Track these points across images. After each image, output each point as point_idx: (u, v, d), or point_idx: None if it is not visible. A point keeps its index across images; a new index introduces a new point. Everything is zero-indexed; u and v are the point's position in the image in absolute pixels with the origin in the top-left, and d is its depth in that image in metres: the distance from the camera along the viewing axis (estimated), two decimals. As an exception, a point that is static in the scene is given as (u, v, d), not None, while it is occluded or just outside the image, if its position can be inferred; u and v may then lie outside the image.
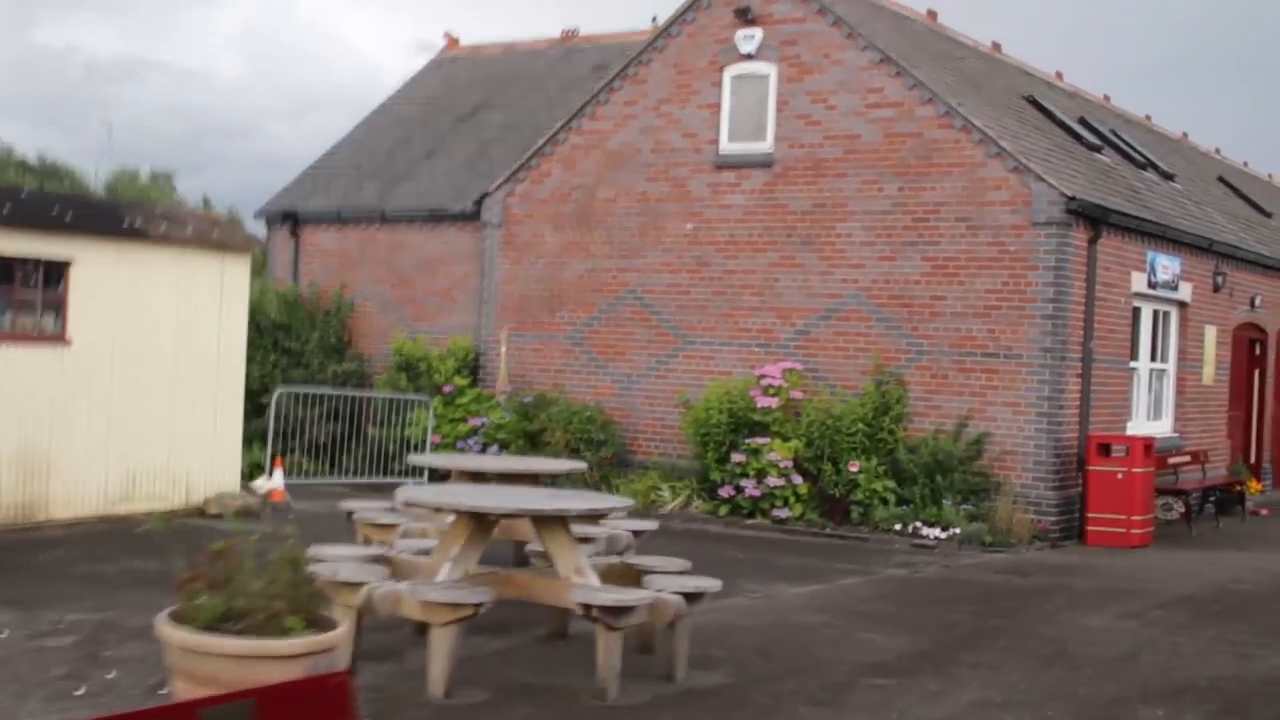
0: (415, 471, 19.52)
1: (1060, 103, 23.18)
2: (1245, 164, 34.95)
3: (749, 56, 18.69)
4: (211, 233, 15.73)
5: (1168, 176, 23.34)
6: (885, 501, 16.95)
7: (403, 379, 20.60)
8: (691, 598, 8.25)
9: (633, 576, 8.78)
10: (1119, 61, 67.97)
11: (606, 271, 19.83)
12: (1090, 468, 16.63)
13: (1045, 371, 16.71)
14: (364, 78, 61.92)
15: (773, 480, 17.21)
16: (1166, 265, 19.37)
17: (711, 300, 18.98)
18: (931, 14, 22.71)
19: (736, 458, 17.46)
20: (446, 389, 20.17)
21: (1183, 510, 17.87)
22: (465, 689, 7.85)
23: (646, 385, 19.38)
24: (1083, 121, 22.70)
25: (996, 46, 24.16)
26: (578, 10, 51.74)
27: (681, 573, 8.96)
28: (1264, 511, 21.11)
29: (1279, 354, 24.26)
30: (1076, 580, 13.38)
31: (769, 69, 18.58)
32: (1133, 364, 19.09)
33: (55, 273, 14.23)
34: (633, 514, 17.78)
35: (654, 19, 22.44)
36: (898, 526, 16.66)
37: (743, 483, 17.40)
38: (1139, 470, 16.47)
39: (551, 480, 18.20)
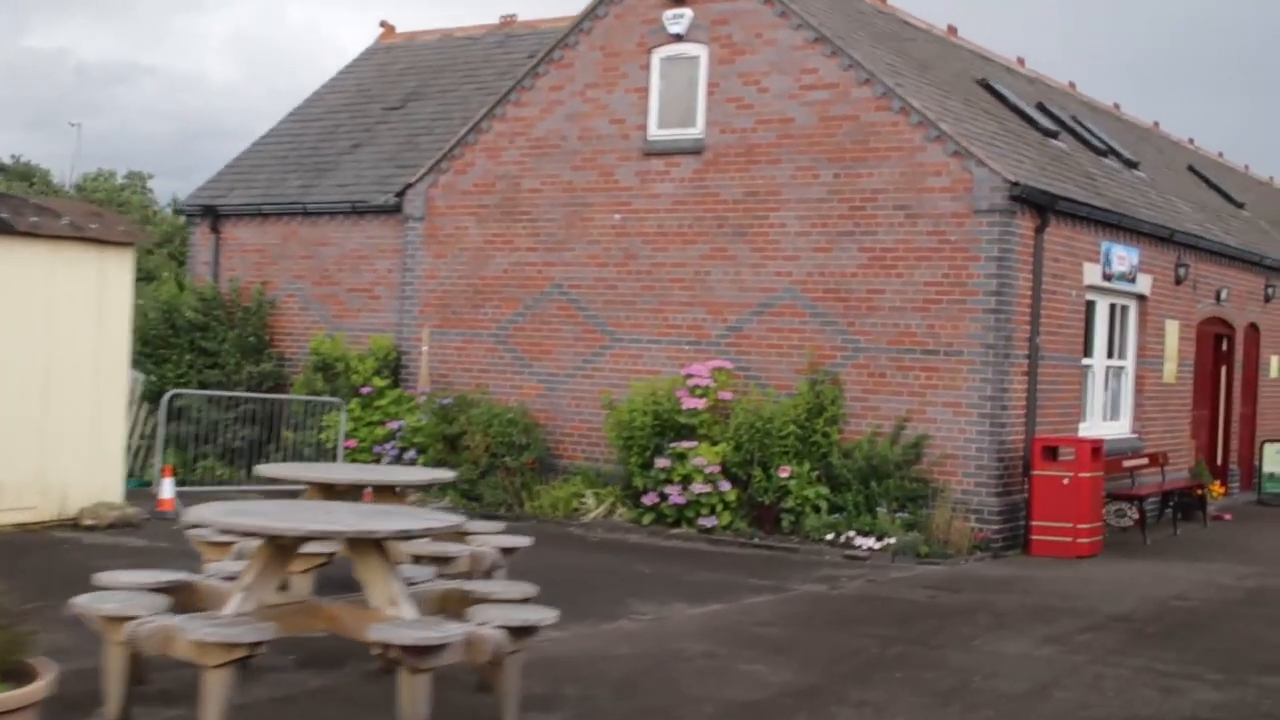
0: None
1: (1018, 88, 22.13)
2: (1220, 154, 33.92)
3: (678, 37, 17.59)
4: (89, 226, 14.62)
5: (1130, 164, 22.28)
6: (818, 509, 15.86)
7: (319, 380, 19.50)
8: (521, 632, 7.15)
9: (468, 604, 7.69)
10: (1124, 66, 67.00)
11: (532, 265, 18.74)
12: (1035, 472, 15.56)
13: (988, 369, 15.64)
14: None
15: (698, 487, 16.12)
16: (1123, 256, 18.30)
17: (640, 295, 17.89)
18: (881, -6, 21.64)
19: (661, 463, 16.37)
20: (365, 390, 19.07)
21: (1136, 517, 16.79)
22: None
23: (573, 385, 18.29)
24: (1040, 107, 21.63)
25: (952, 30, 23.08)
26: None
27: (522, 600, 7.87)
28: (1227, 516, 20.04)
29: (1248, 350, 23.20)
30: (1008, 597, 12.31)
31: (699, 50, 17.49)
32: (1086, 361, 18.02)
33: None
34: (560, 521, 16.73)
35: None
36: (830, 536, 15.58)
37: (667, 489, 16.31)
38: (1086, 475, 15.39)
39: (423, 491, 17.19)
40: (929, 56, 19.68)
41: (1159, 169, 24.77)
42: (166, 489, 15.78)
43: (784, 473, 15.98)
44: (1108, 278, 17.97)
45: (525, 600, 7.86)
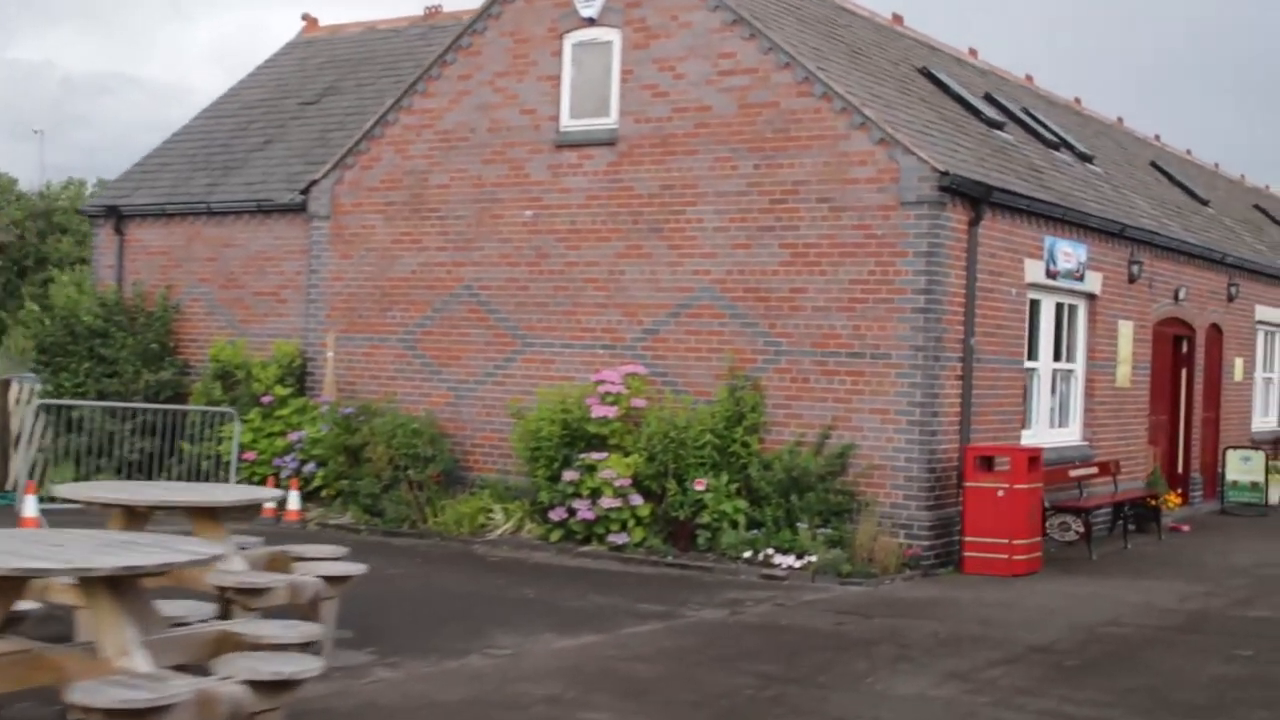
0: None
1: (966, 79, 21.03)
2: (1188, 151, 32.87)
3: (591, 21, 16.46)
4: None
5: (1085, 158, 21.19)
6: (735, 525, 14.71)
7: (217, 389, 18.31)
8: (276, 686, 5.98)
9: (239, 649, 6.52)
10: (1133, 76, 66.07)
11: (440, 266, 17.57)
12: (967, 484, 14.42)
13: (917, 373, 14.50)
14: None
15: (608, 501, 14.95)
16: (1069, 252, 17.17)
17: (552, 297, 16.73)
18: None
19: (569, 475, 15.21)
20: (265, 400, 17.88)
21: (1081, 530, 15.65)
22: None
23: (483, 393, 17.12)
24: (988, 98, 20.53)
25: (897, 19, 21.97)
26: None
27: (302, 645, 6.69)
28: (1185, 528, 18.91)
29: (1210, 352, 22.09)
30: (922, 624, 11.15)
31: (612, 35, 16.35)
32: (1030, 364, 16.89)
33: None
34: (465, 538, 15.44)
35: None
36: (748, 554, 14.42)
37: (575, 504, 15.15)
38: (1022, 486, 14.24)
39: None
40: (864, 43, 18.56)
41: (1117, 164, 23.69)
42: (29, 507, 14.55)
43: (699, 485, 14.84)
44: (1052, 275, 16.85)
45: (306, 644, 6.68)
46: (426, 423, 16.91)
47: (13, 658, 6.15)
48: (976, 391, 15.22)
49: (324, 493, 17.23)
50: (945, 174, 14.37)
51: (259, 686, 5.86)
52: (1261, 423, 24.58)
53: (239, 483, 17.52)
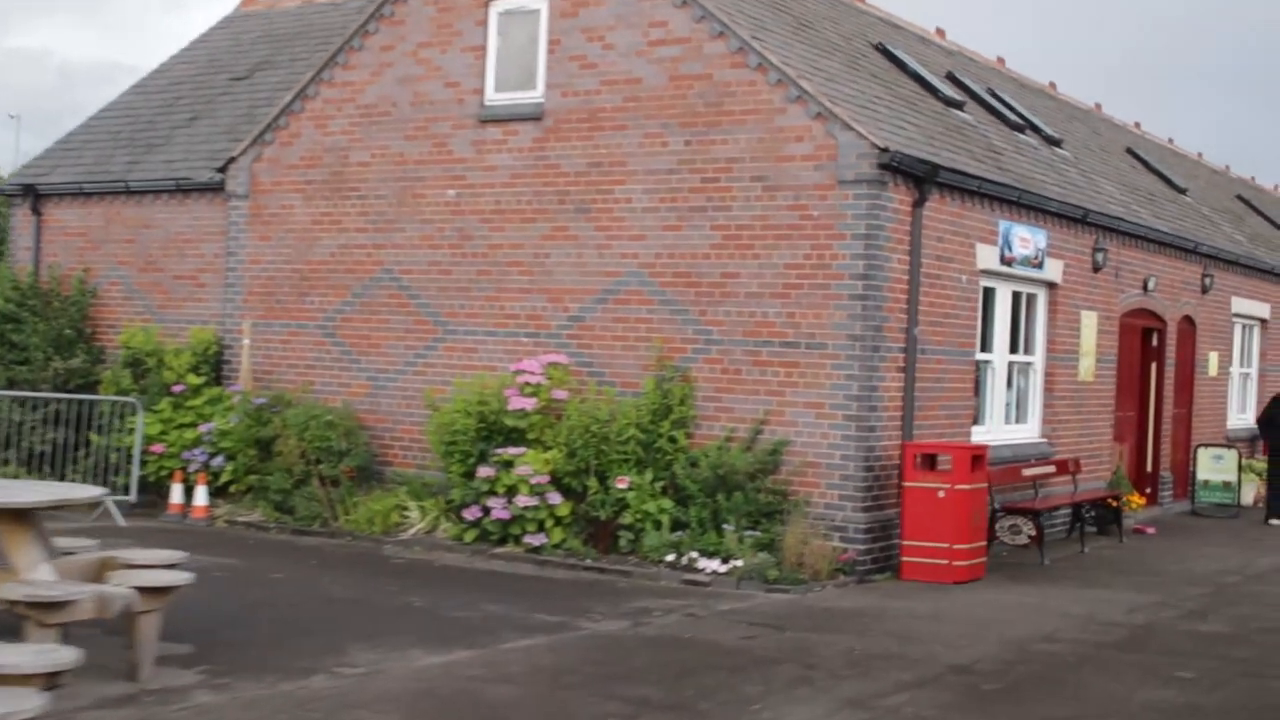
0: (126, 489, 16.37)
1: (929, 57, 20.02)
2: (1170, 140, 31.88)
3: (518, -13, 15.46)
4: None
5: (1052, 141, 20.20)
6: (659, 526, 13.72)
7: (127, 377, 17.30)
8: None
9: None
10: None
11: (360, 248, 16.57)
12: (906, 484, 13.44)
13: (854, 365, 13.51)
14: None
15: (523, 499, 13.96)
16: (1026, 238, 16.18)
17: (475, 281, 15.73)
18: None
19: (484, 471, 14.22)
20: (177, 389, 16.87)
21: (1033, 533, 14.67)
22: None
23: (403, 383, 16.12)
24: (950, 77, 19.54)
25: (857, -7, 20.96)
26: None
27: (50, 675, 5.68)
28: (1150, 530, 17.94)
29: (1182, 345, 21.11)
30: (838, 639, 10.17)
31: (539, 3, 15.34)
32: (983, 356, 15.91)
33: None
34: (377, 538, 14.64)
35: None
36: (671, 557, 13.45)
37: (490, 502, 14.16)
38: (964, 487, 13.26)
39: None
40: (816, 17, 17.54)
41: (1089, 149, 22.70)
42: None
43: (622, 484, 13.85)
44: (1007, 262, 15.86)
45: (54, 675, 5.67)
46: (342, 415, 15.93)
47: None
48: (921, 385, 14.23)
49: (232, 488, 16.24)
50: (885, 150, 13.38)
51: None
52: (1238, 420, 23.61)
53: (143, 477, 16.58)
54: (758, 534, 13.43)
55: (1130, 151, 25.56)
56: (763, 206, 13.98)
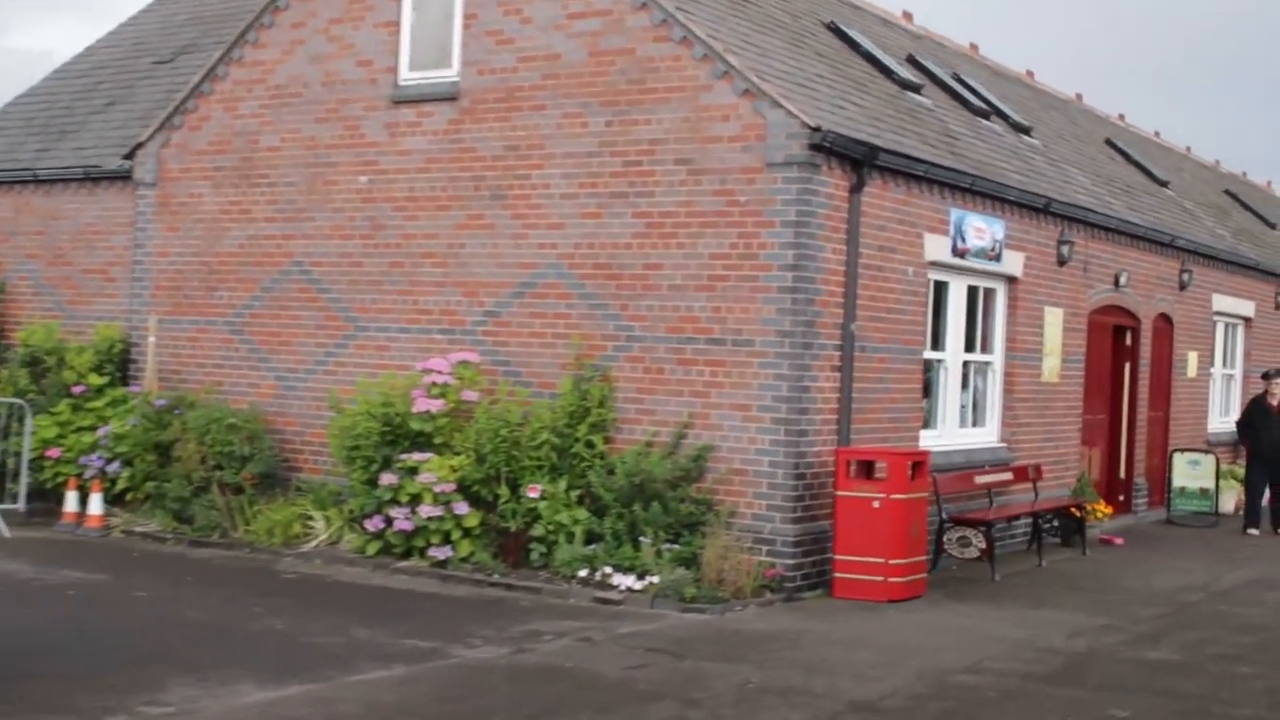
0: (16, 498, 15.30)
1: (888, 39, 18.92)
2: (1157, 133, 30.78)
3: (433, -43, 14.38)
4: None
5: (1020, 129, 19.09)
6: (572, 538, 12.63)
7: (25, 377, 16.22)
8: None
9: None
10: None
11: (270, 239, 15.49)
12: (838, 493, 12.33)
13: (783, 363, 12.41)
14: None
15: (427, 509, 12.88)
16: (981, 228, 15.08)
17: (388, 274, 14.66)
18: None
19: (387, 479, 13.13)
20: (77, 389, 15.79)
21: (984, 546, 13.56)
22: None
23: (313, 383, 15.04)
24: (911, 60, 18.43)
25: (816, -27, 19.83)
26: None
27: None
28: (1118, 541, 16.82)
29: (1158, 344, 19.98)
30: (737, 670, 9.08)
31: (456, -27, 14.26)
32: (935, 355, 14.81)
33: None
34: (277, 550, 13.59)
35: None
36: (584, 572, 12.36)
37: (393, 512, 13.07)
38: (901, 496, 12.15)
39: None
40: (762, -7, 16.43)
41: (1064, 139, 21.59)
42: None
43: (533, 492, 12.78)
44: (960, 253, 14.76)
45: None
46: (247, 417, 14.87)
47: None
48: (861, 385, 13.14)
49: (129, 496, 15.16)
50: (817, 130, 12.28)
51: None
52: (1221, 423, 22.46)
53: (40, 485, 15.50)
54: (678, 548, 12.34)
55: (1109, 142, 24.45)
56: (687, 192, 12.90)
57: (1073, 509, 15.89)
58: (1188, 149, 32.25)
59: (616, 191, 13.26)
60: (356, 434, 13.41)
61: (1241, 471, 19.94)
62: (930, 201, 14.22)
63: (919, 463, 12.53)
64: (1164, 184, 23.89)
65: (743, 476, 12.53)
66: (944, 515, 13.77)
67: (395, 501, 13.07)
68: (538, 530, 12.76)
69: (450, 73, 14.28)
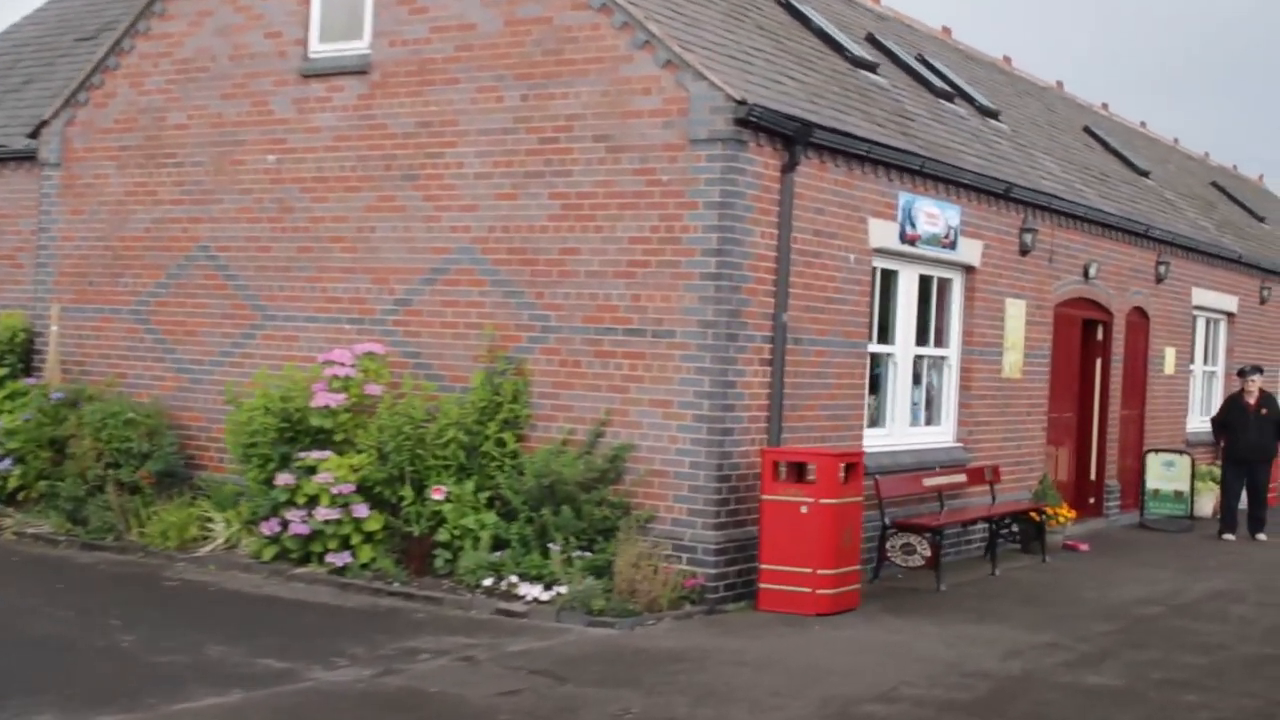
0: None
1: (846, 17, 17.94)
2: (1143, 124, 29.80)
3: (345, -79, 13.41)
4: None
5: (987, 113, 18.12)
6: (479, 544, 11.68)
7: (-83, 371, 15.26)
8: None
9: None
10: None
11: (176, 223, 14.54)
12: (764, 497, 11.37)
13: (706, 356, 11.45)
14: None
15: (324, 512, 11.92)
16: (934, 213, 14.11)
17: (295, 259, 13.70)
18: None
19: (283, 478, 12.18)
20: (-28, 383, 14.85)
21: (928, 554, 12.59)
22: None
23: (219, 376, 14.07)
24: (870, 39, 17.46)
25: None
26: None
27: None
28: (1084, 547, 15.85)
29: (1133, 339, 19.00)
30: (622, 697, 8.14)
31: (368, -63, 13.29)
32: (882, 348, 13.86)
33: None
34: (171, 554, 12.61)
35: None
36: (489, 581, 11.41)
37: (289, 514, 12.12)
38: (831, 501, 11.18)
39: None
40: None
41: (1038, 125, 20.62)
42: None
43: (438, 494, 11.82)
44: (910, 240, 13.79)
45: None
46: (148, 412, 13.92)
47: None
48: (794, 380, 12.18)
49: (22, 495, 14.21)
50: (742, 103, 11.31)
51: None
52: (1200, 423, 21.44)
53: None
54: (591, 555, 11.38)
55: (1088, 130, 23.47)
56: (606, 171, 11.94)
57: (1032, 513, 14.91)
58: (1175, 140, 31.28)
59: (532, 171, 12.30)
60: (253, 430, 12.47)
61: (1219, 473, 18.93)
62: (875, 184, 13.25)
63: (853, 464, 11.56)
64: (1144, 173, 22.91)
65: (663, 478, 11.58)
66: (886, 520, 12.80)
67: (292, 503, 12.12)
68: (443, 535, 11.81)
69: (361, 44, 13.32)
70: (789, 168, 11.94)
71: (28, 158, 16.07)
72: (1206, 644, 10.46)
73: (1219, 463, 19.19)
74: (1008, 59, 24.74)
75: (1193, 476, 18.37)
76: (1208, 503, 19.03)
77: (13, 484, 14.17)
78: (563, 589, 11.03)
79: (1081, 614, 11.56)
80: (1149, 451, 18.73)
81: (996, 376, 15.65)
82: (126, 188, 14.87)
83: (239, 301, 14.03)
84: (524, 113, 12.35)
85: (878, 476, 12.89)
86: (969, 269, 15.06)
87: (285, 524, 12.13)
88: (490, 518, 11.76)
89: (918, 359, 14.56)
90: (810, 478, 11.39)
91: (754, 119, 11.39)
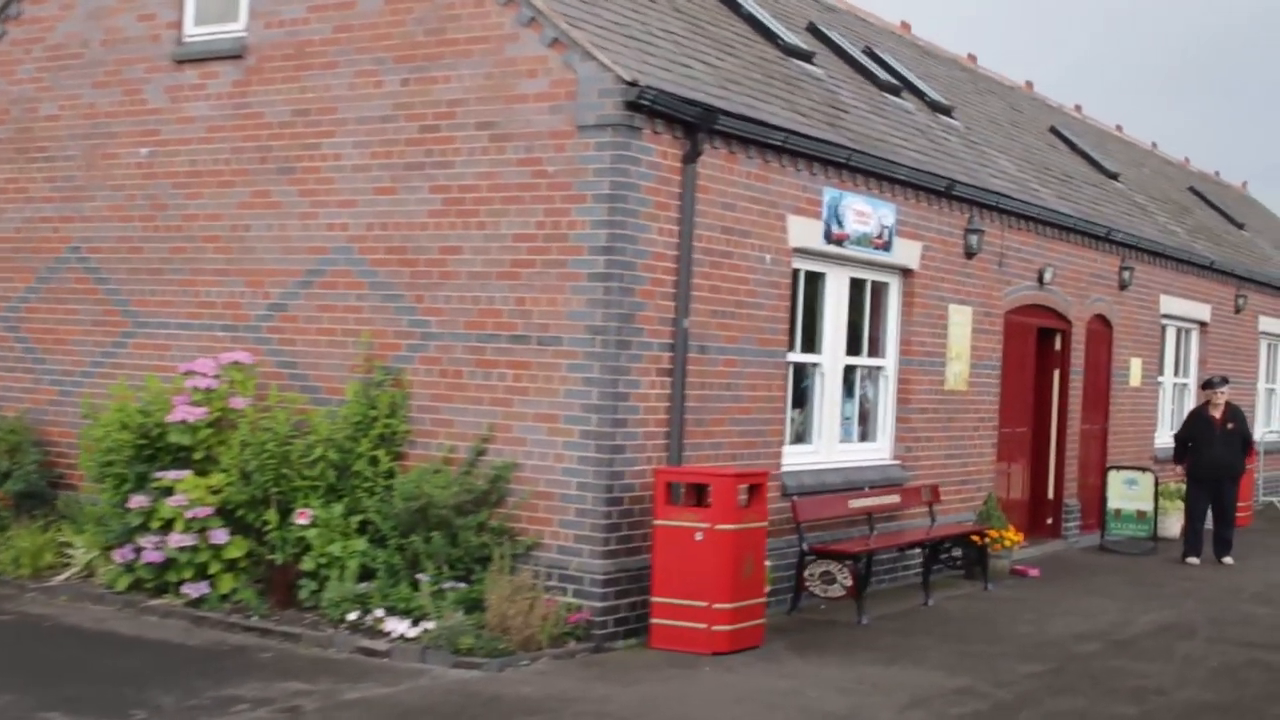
0: None
1: (789, 7, 16.84)
2: (1119, 127, 28.73)
3: (220, -107, 12.33)
4: None
5: (939, 108, 17.05)
6: (346, 574, 10.56)
7: None
8: None
9: None
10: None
11: (47, 222, 13.45)
12: (657, 522, 10.25)
13: (594, 365, 10.35)
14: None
15: (178, 538, 10.81)
16: (864, 211, 13.02)
17: (169, 261, 12.61)
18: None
19: (138, 500, 11.08)
20: None
21: (850, 583, 11.47)
22: None
23: (90, 387, 12.95)
24: (812, 29, 16.38)
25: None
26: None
27: None
28: (1034, 572, 14.72)
29: (1095, 350, 17.89)
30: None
31: (244, -90, 12.22)
32: (807, 357, 12.77)
33: None
34: (22, 583, 11.50)
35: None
36: (354, 615, 10.30)
37: (143, 540, 11.01)
38: (730, 527, 10.06)
39: None
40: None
41: (997, 124, 19.54)
42: None
43: (302, 518, 10.71)
44: (837, 240, 12.70)
45: None
46: (12, 427, 12.88)
47: None
48: (700, 393, 11.07)
49: None
50: (633, 85, 10.21)
51: None
52: (1170, 438, 20.28)
53: None
54: (467, 586, 10.27)
55: (1055, 131, 22.39)
56: (490, 161, 10.85)
57: (973, 536, 13.78)
58: (1153, 144, 30.21)
59: (412, 162, 11.21)
60: (108, 448, 11.35)
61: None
62: (796, 178, 12.16)
63: (757, 485, 10.44)
64: (1113, 176, 21.83)
65: (548, 501, 10.47)
66: (805, 546, 11.69)
67: (146, 527, 11.01)
68: (308, 563, 10.70)
69: (237, 26, 12.24)
70: (691, 158, 10.84)
71: (-97, 154, 14.95)
72: (1142, 689, 9.34)
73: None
74: (973, 57, 23.67)
75: (1157, 495, 17.24)
76: (1175, 523, 17.90)
77: None
78: (431, 625, 9.92)
79: (1009, 652, 10.43)
80: (1110, 469, 17.61)
81: (939, 389, 14.54)
82: (-2, 185, 13.79)
83: (110, 307, 12.94)
84: (404, 99, 11.27)
85: (795, 498, 11.80)
86: (907, 272, 13.97)
87: (139, 550, 11.02)
88: (360, 544, 10.65)
89: (850, 370, 13.46)
90: (709, 501, 10.27)
91: (646, 102, 10.30)
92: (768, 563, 10.92)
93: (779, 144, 11.74)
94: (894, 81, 16.51)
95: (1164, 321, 20.10)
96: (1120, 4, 68.37)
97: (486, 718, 7.96)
